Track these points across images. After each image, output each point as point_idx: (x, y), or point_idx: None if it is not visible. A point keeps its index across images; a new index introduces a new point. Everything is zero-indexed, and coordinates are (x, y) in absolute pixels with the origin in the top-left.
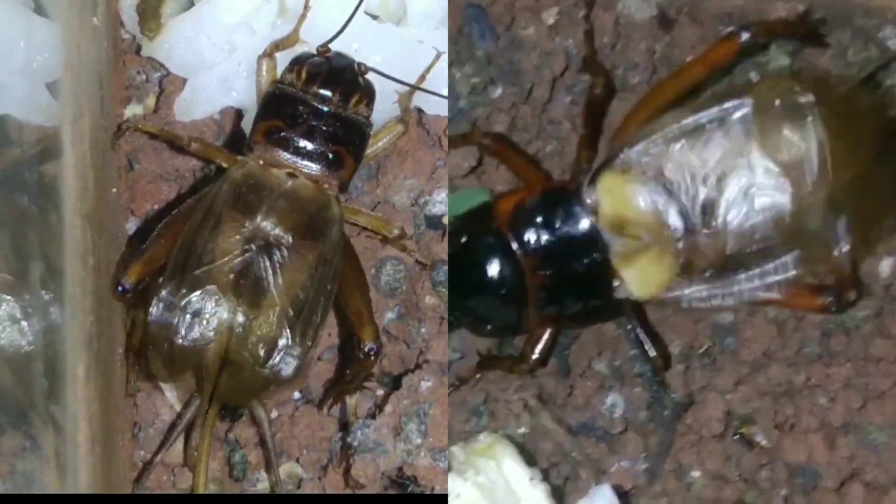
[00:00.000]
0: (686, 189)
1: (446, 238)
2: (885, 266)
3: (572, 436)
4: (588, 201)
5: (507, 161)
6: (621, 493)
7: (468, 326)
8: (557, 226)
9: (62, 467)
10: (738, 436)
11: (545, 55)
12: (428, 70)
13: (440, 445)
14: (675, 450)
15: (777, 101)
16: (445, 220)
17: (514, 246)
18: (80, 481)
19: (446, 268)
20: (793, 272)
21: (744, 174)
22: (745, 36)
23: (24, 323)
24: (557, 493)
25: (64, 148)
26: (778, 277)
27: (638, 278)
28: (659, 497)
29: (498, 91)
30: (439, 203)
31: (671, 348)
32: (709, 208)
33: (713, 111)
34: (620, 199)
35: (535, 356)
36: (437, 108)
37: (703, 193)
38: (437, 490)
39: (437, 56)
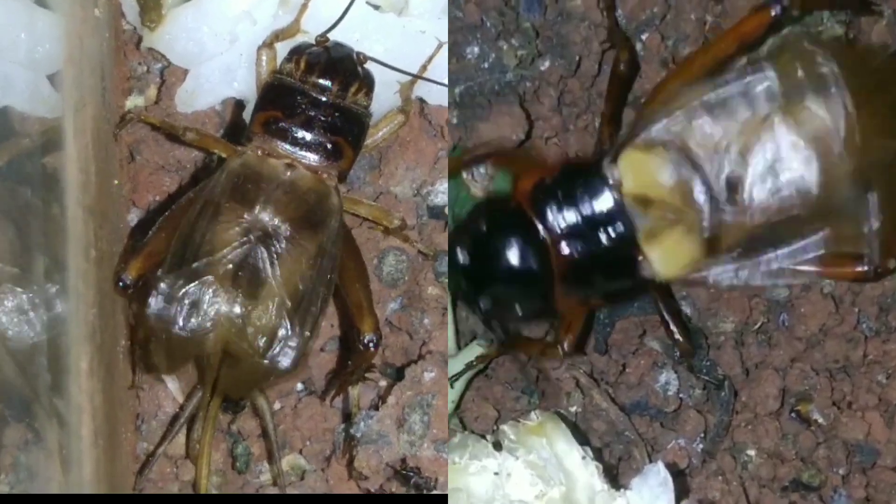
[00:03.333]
0: (710, 164)
1: (448, 228)
2: None
3: (625, 414)
4: (611, 178)
5: (512, 165)
6: (676, 472)
7: (495, 317)
8: (580, 202)
9: (66, 460)
10: (794, 414)
11: (594, 27)
12: (430, 60)
13: (443, 436)
14: (730, 428)
15: (800, 72)
16: (447, 211)
17: (537, 223)
18: (84, 474)
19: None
20: (822, 250)
21: (769, 147)
22: (776, 8)
23: (31, 314)
24: (610, 473)
25: (66, 139)
26: (808, 255)
27: (663, 257)
28: (714, 476)
29: (545, 64)
30: (441, 193)
31: (725, 325)
32: (734, 183)
33: (735, 84)
34: (644, 175)
35: (567, 343)
36: (439, 98)
37: (727, 168)
38: (440, 480)
39: (439, 46)
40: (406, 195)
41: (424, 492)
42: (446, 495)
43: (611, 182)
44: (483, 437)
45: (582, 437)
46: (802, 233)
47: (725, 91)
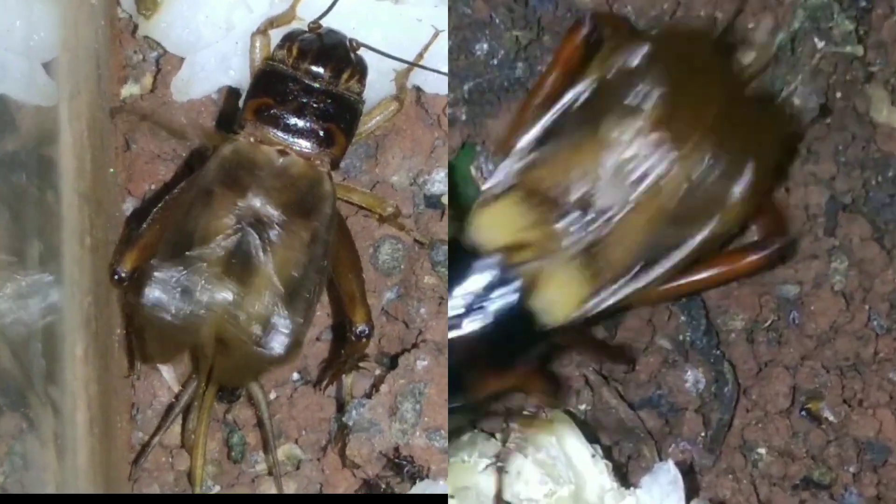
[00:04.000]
0: (559, 190)
1: (445, 218)
2: None
3: (635, 412)
4: (472, 243)
5: None
6: (686, 471)
7: None
8: (458, 281)
9: (60, 449)
10: (804, 411)
11: None
12: (426, 48)
13: (435, 425)
14: (740, 426)
15: (615, 68)
16: (444, 200)
17: None
18: (79, 462)
19: (445, 248)
20: (706, 233)
21: (609, 151)
22: (587, 26)
23: (28, 301)
24: (620, 471)
25: (61, 127)
26: (693, 247)
27: (550, 300)
28: (724, 474)
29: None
30: (438, 182)
31: (735, 323)
32: (587, 198)
33: (557, 106)
34: (499, 227)
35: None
36: (436, 86)
37: (578, 186)
38: (433, 469)
39: (436, 34)
40: (402, 184)
41: (417, 480)
42: (447, 495)
43: (473, 248)
44: (492, 435)
45: (591, 436)
46: (683, 230)
47: (549, 117)
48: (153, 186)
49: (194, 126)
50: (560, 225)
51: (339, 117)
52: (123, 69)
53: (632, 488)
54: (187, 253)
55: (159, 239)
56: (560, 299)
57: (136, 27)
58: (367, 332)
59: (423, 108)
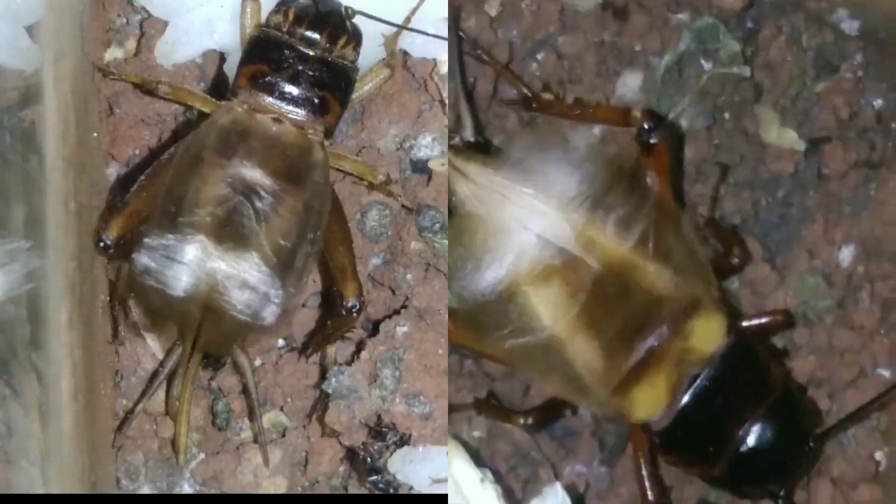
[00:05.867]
0: None
1: (432, 183)
2: (845, 255)
3: (531, 436)
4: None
5: None
6: (578, 495)
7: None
8: None
9: (45, 416)
10: None
11: (488, 47)
12: (414, 11)
13: (414, 391)
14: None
15: None
16: (431, 165)
17: None
18: (63, 430)
19: (432, 213)
20: None
21: None
22: None
23: (10, 267)
24: (515, 496)
25: (45, 91)
26: None
27: None
28: (617, 498)
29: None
30: (425, 147)
31: None
32: None
33: None
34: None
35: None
36: (423, 50)
37: None
38: (415, 435)
39: None
40: (389, 149)
41: (395, 448)
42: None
43: None
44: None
45: (486, 462)
46: None
47: None
48: (137, 151)
49: (182, 89)
50: None
51: (334, 85)
52: (107, 33)
53: None
54: (178, 220)
55: (146, 206)
56: None
57: None
58: (357, 307)
59: (409, 73)
